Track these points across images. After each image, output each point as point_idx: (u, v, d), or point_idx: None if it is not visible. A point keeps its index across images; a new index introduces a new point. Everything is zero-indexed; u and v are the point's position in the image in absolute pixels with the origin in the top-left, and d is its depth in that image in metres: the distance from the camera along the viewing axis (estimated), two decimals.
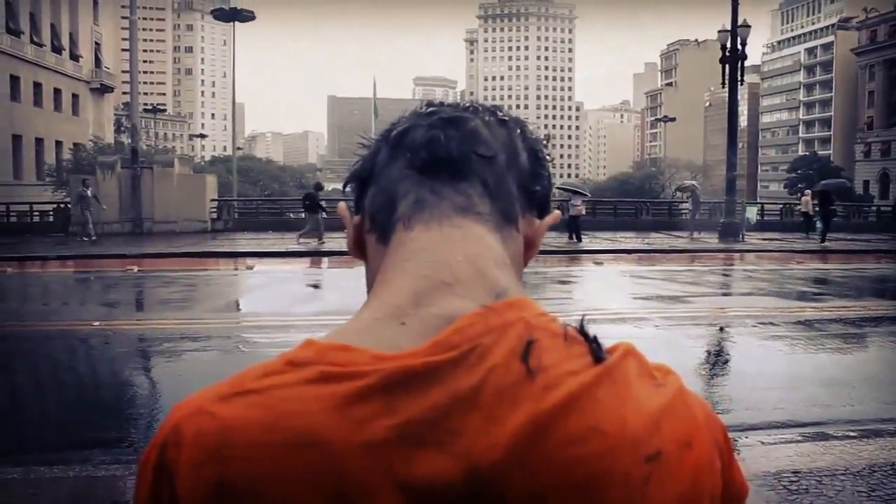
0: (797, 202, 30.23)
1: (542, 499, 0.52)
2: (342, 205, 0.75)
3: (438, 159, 0.65)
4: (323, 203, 20.52)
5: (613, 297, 12.57)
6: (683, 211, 27.98)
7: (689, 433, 0.58)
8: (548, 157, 0.74)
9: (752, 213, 27.00)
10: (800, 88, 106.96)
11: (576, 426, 0.53)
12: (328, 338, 0.59)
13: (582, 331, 0.59)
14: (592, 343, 0.58)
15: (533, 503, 0.52)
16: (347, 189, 0.74)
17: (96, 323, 9.11)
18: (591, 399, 0.55)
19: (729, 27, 23.32)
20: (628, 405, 0.55)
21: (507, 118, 0.71)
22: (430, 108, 0.70)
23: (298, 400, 0.53)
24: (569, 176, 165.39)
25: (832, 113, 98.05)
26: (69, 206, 24.21)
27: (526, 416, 0.53)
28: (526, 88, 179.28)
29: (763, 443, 4.96)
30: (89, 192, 21.36)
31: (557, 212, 0.75)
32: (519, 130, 0.71)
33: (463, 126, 0.67)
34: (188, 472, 0.54)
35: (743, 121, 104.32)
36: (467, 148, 0.66)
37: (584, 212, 22.90)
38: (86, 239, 20.27)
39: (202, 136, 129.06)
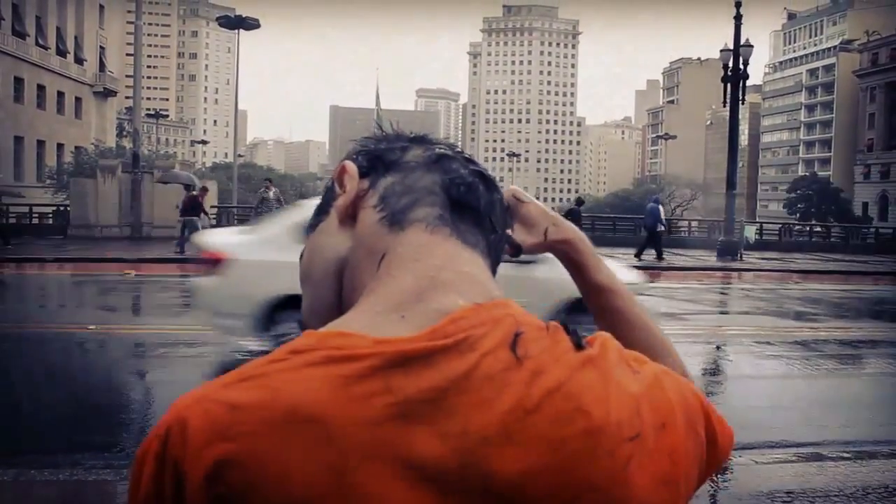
0: (797, 222, 30.12)
1: (530, 476, 0.57)
2: (351, 163, 0.74)
3: (469, 203, 0.72)
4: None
5: None
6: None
7: (663, 416, 0.63)
8: None
9: (750, 232, 27.03)
10: (801, 109, 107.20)
11: (562, 408, 0.58)
12: (328, 327, 0.63)
13: (562, 324, 0.64)
14: (573, 334, 0.63)
15: (521, 480, 0.56)
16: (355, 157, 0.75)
17: (92, 326, 9.08)
18: (576, 383, 0.59)
19: (731, 46, 23.41)
20: (610, 389, 0.60)
21: (508, 207, 0.81)
22: (466, 155, 0.77)
23: (302, 381, 0.56)
24: (568, 192, 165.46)
25: (833, 134, 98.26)
26: (68, 208, 24.16)
27: (515, 398, 0.58)
28: (528, 103, 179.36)
29: (757, 462, 4.95)
30: (271, 194, 20.12)
31: None
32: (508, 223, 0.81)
33: (493, 191, 0.75)
34: (195, 453, 0.56)
35: (744, 140, 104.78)
36: (490, 210, 0.73)
37: None
38: None
39: (204, 142, 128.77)
